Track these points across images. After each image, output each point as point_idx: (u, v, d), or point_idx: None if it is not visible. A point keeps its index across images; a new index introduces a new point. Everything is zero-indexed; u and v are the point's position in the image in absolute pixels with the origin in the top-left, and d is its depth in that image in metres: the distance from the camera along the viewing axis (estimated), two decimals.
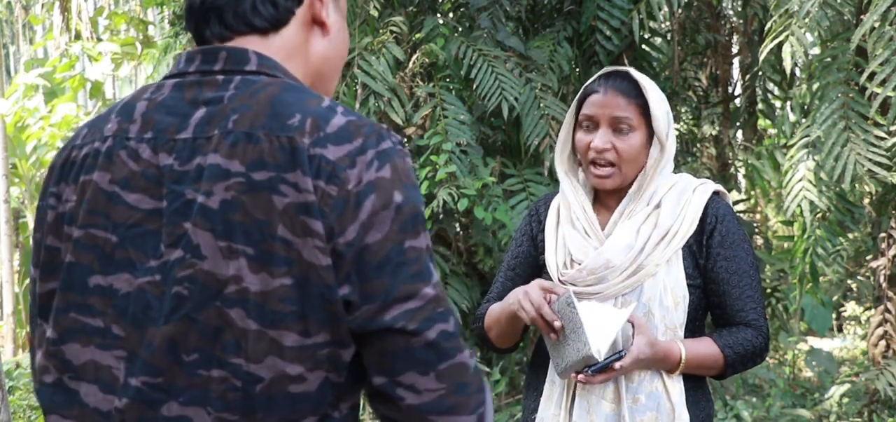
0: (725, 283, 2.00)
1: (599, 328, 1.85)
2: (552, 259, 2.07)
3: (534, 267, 2.14)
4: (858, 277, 5.91)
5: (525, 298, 1.92)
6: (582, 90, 2.07)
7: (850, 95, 3.66)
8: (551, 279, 2.04)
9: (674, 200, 2.01)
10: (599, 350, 1.83)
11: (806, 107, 4.32)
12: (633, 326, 1.90)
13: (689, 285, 1.99)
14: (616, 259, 1.97)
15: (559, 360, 1.91)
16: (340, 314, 1.08)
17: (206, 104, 1.13)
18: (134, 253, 1.11)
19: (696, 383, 2.04)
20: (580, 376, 1.88)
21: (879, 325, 4.28)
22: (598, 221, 2.06)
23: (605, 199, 2.08)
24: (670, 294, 1.97)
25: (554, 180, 4.60)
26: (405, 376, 1.10)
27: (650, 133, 2.01)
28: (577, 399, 1.98)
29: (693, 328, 2.02)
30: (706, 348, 1.99)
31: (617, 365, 1.85)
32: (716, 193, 2.06)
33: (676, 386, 1.98)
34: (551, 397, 2.04)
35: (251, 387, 1.07)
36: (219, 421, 1.08)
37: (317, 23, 1.23)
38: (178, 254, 1.08)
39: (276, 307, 1.06)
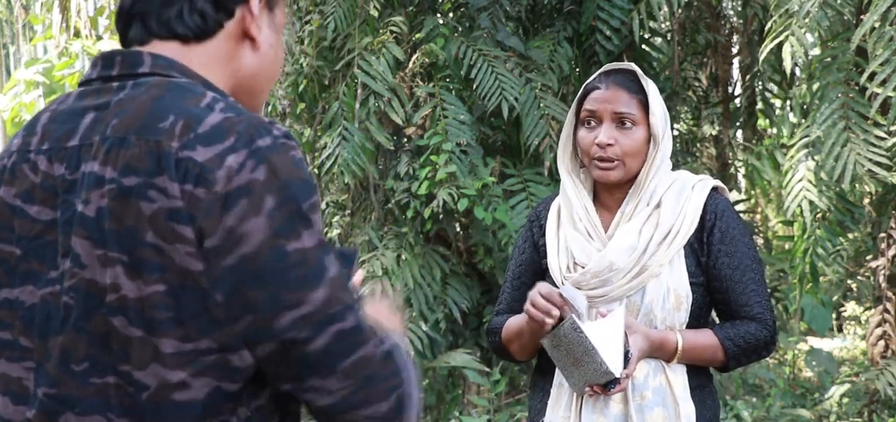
0: (728, 279, 1.99)
1: (609, 346, 1.85)
2: (555, 262, 2.06)
3: (538, 273, 2.13)
4: (858, 277, 5.91)
5: (533, 294, 1.93)
6: (583, 88, 2.06)
7: (850, 95, 3.66)
8: (555, 283, 2.04)
9: (673, 199, 2.01)
10: (617, 368, 1.84)
11: (806, 107, 4.32)
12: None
13: (691, 284, 1.98)
14: (619, 261, 1.97)
15: (575, 381, 1.92)
16: (210, 317, 1.05)
17: (95, 109, 1.12)
18: (36, 264, 1.10)
19: (703, 382, 2.04)
20: (596, 389, 1.89)
21: (878, 325, 4.28)
22: (601, 222, 2.05)
23: (606, 199, 2.08)
24: (673, 295, 1.97)
25: (554, 180, 4.59)
26: (308, 381, 1.07)
27: (651, 128, 2.01)
28: (585, 402, 1.98)
29: (697, 327, 2.01)
30: (705, 338, 1.99)
31: (625, 373, 1.86)
32: (715, 188, 2.06)
33: (679, 380, 1.98)
34: (559, 400, 2.03)
35: (139, 394, 1.06)
36: None
37: (247, 37, 1.19)
38: (66, 264, 1.07)
39: (152, 314, 1.03)
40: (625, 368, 1.87)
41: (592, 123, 2.02)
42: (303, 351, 1.05)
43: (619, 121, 1.99)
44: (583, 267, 2.01)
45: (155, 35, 1.16)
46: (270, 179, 1.03)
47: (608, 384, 1.88)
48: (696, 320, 2.01)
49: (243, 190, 1.02)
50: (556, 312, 1.89)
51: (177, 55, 1.16)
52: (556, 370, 2.02)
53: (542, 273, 2.12)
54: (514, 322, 2.08)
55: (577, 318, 1.86)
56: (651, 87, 2.01)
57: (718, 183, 2.08)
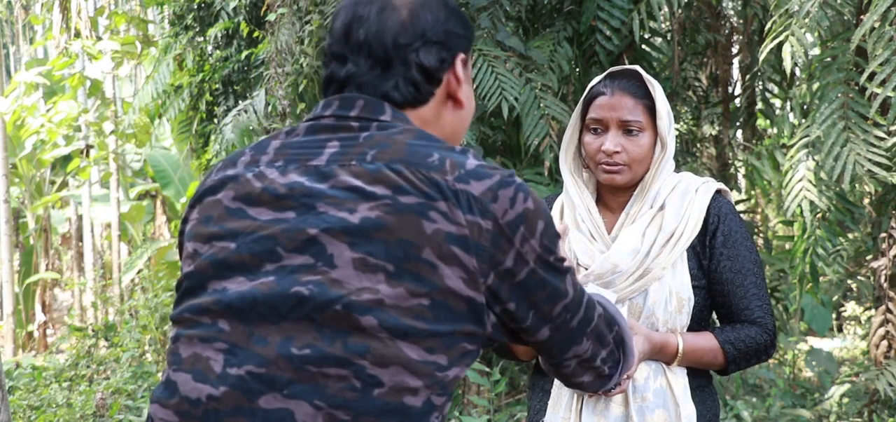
0: (729, 282, 1.99)
1: None
2: None
3: None
4: (858, 277, 5.90)
5: None
6: (587, 91, 2.05)
7: (850, 95, 3.65)
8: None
9: (677, 202, 2.01)
10: None
11: (806, 107, 4.32)
12: None
13: (693, 287, 1.98)
14: (623, 264, 1.96)
15: None
16: (473, 344, 1.21)
17: (339, 141, 1.22)
18: (249, 258, 1.19)
19: (702, 382, 2.04)
20: (604, 393, 1.89)
21: (881, 325, 4.28)
22: (604, 223, 2.05)
23: (609, 200, 2.07)
24: (675, 298, 1.96)
25: (554, 180, 4.59)
26: (570, 350, 1.38)
27: (657, 132, 2.00)
28: (585, 402, 1.98)
29: (697, 329, 2.01)
30: (705, 341, 1.99)
31: (627, 375, 1.86)
32: (718, 191, 2.05)
33: (680, 382, 1.98)
34: (560, 400, 2.03)
35: (370, 390, 1.14)
36: (328, 417, 1.14)
37: (451, 98, 1.32)
38: (303, 259, 1.16)
39: (409, 321, 1.14)
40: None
41: (598, 130, 2.01)
42: (567, 328, 1.33)
43: (625, 128, 1.98)
44: (586, 268, 2.00)
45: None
46: (536, 207, 1.24)
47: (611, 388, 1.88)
48: (697, 322, 2.01)
49: (521, 218, 1.22)
50: None
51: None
52: None
53: None
54: None
55: None
56: (657, 91, 2.00)
57: (722, 186, 2.08)
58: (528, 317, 1.27)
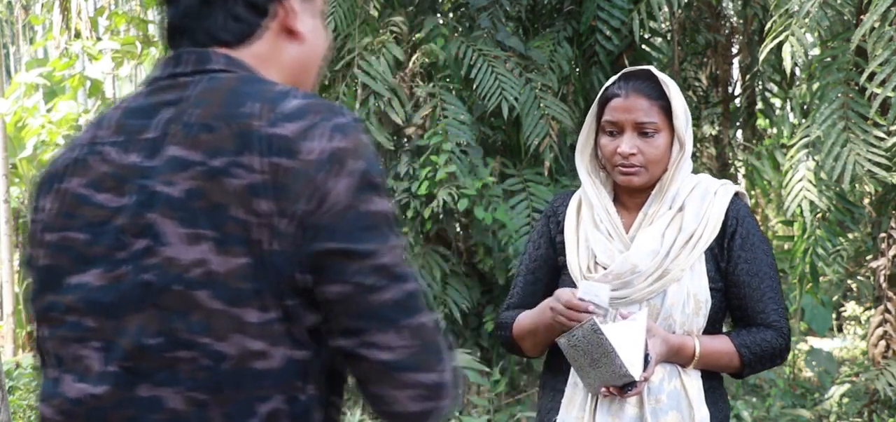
0: (746, 285, 1.99)
1: (628, 349, 1.85)
2: (574, 261, 2.04)
3: (553, 269, 2.12)
4: (858, 277, 5.91)
5: (557, 305, 1.92)
6: (602, 92, 2.04)
7: (850, 96, 3.65)
8: (572, 281, 2.03)
9: (697, 203, 2.00)
10: (636, 371, 1.84)
11: (806, 107, 4.32)
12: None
13: (711, 289, 1.98)
14: (642, 264, 1.96)
15: (590, 381, 1.91)
16: (289, 287, 1.12)
17: (169, 105, 1.18)
18: (104, 249, 1.16)
19: (714, 384, 2.04)
20: (612, 390, 1.89)
21: (880, 325, 4.28)
22: (622, 223, 2.04)
23: (626, 200, 2.07)
24: (693, 300, 1.96)
25: (554, 180, 4.60)
26: (370, 334, 1.12)
27: (673, 131, 1.99)
28: (600, 403, 1.97)
29: (712, 331, 2.01)
30: (721, 344, 1.99)
31: (643, 376, 1.86)
32: (736, 194, 2.05)
33: (694, 384, 1.98)
34: (574, 400, 2.02)
35: (218, 365, 1.12)
36: (190, 400, 1.13)
37: (288, 31, 1.25)
38: (143, 243, 1.13)
39: (237, 285, 1.10)
40: (643, 371, 1.86)
41: (614, 132, 2.00)
42: (371, 299, 1.11)
43: (641, 130, 1.97)
44: (605, 268, 2.00)
45: (202, 45, 1.22)
46: (356, 148, 1.12)
47: (625, 386, 1.87)
48: (712, 325, 2.00)
49: (331, 156, 1.11)
50: (585, 318, 1.88)
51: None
52: (571, 370, 2.01)
53: (557, 270, 2.11)
54: (527, 318, 2.07)
55: (597, 319, 1.86)
56: (673, 91, 1.98)
57: (739, 189, 2.07)
58: (319, 265, 1.10)
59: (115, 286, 1.15)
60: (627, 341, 1.85)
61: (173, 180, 1.12)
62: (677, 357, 1.95)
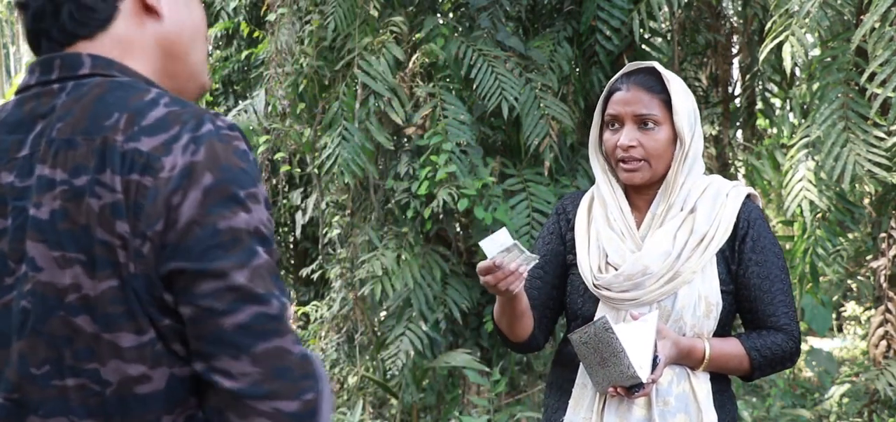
0: (757, 288, 1.99)
1: (637, 350, 1.85)
2: (585, 260, 2.04)
3: (561, 266, 2.12)
4: (858, 277, 5.91)
5: (485, 278, 1.86)
6: (607, 88, 2.05)
7: (850, 96, 3.65)
8: (583, 280, 2.03)
9: (708, 205, 1.99)
10: (645, 373, 1.84)
11: (806, 107, 4.32)
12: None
13: (722, 291, 1.97)
14: (653, 266, 1.95)
15: (598, 380, 1.91)
16: (158, 307, 1.07)
17: (42, 117, 1.12)
18: None
19: (722, 386, 2.04)
20: (620, 390, 1.89)
21: (880, 325, 4.28)
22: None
23: (635, 199, 2.06)
24: (704, 302, 1.95)
25: (554, 181, 4.59)
26: (219, 359, 1.05)
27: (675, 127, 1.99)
28: (607, 404, 1.97)
29: (721, 334, 2.01)
30: (731, 347, 1.98)
31: (651, 378, 1.86)
32: (748, 196, 2.05)
33: (704, 387, 1.98)
34: (581, 401, 2.02)
35: (104, 391, 1.07)
36: None
37: (145, 9, 1.19)
38: (22, 269, 1.08)
39: (109, 309, 1.06)
40: (652, 372, 1.86)
41: (615, 126, 2.00)
42: (218, 324, 1.04)
43: (641, 122, 1.97)
44: (616, 268, 1.99)
45: (63, 43, 1.17)
46: (209, 160, 1.05)
47: (633, 387, 1.87)
48: (723, 327, 2.00)
49: (184, 170, 1.05)
50: (504, 274, 1.84)
51: (93, 51, 1.16)
52: (580, 370, 2.01)
53: (566, 267, 2.11)
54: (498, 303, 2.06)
55: (610, 318, 1.86)
56: (675, 86, 1.98)
57: (752, 191, 2.07)
58: (174, 289, 1.05)
59: (5, 314, 1.10)
60: (637, 341, 1.85)
61: (41, 202, 1.07)
62: (687, 360, 1.95)
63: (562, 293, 2.12)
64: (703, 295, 1.95)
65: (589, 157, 2.14)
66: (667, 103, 1.97)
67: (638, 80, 1.99)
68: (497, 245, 1.83)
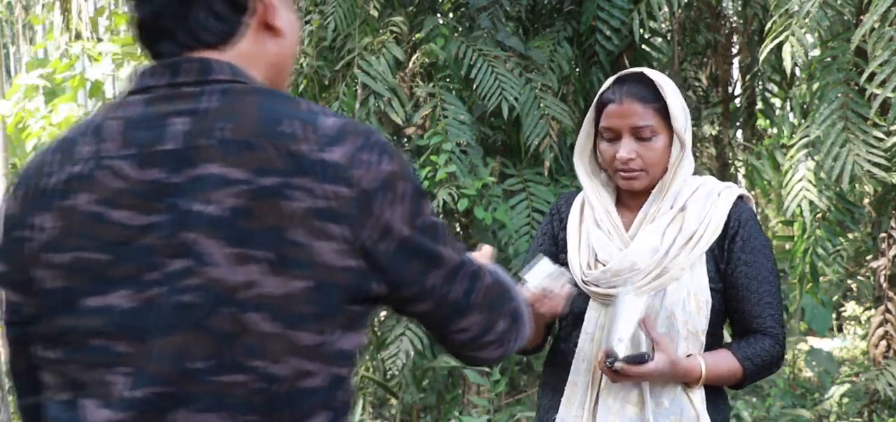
0: (745, 288, 1.99)
1: (621, 322, 1.88)
2: (575, 258, 2.06)
3: None
4: (858, 277, 5.90)
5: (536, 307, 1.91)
6: (598, 97, 2.04)
7: (850, 96, 3.65)
8: (573, 278, 2.04)
9: (699, 204, 2.00)
10: (620, 349, 1.84)
11: (806, 107, 4.32)
12: (654, 342, 1.91)
13: (711, 289, 1.98)
14: (641, 262, 1.96)
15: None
16: (359, 306, 1.14)
17: (184, 116, 1.13)
18: (130, 269, 1.11)
19: (715, 387, 2.04)
20: (602, 365, 1.90)
21: (880, 325, 4.28)
22: (622, 222, 2.05)
23: (628, 200, 2.07)
24: (693, 299, 1.96)
25: (554, 181, 4.60)
26: (455, 323, 1.25)
27: (672, 131, 1.99)
28: (600, 401, 1.98)
29: (713, 332, 2.01)
30: (725, 362, 1.99)
31: (638, 369, 1.86)
32: (740, 197, 2.05)
33: (698, 393, 2.00)
34: (573, 398, 2.03)
35: (272, 387, 1.10)
36: None
37: (268, 27, 1.22)
38: (182, 264, 1.09)
39: (295, 309, 1.09)
40: (634, 360, 1.87)
41: (612, 138, 2.00)
42: (448, 300, 1.22)
43: (638, 135, 1.97)
44: (604, 264, 2.00)
45: (186, 46, 1.18)
46: (399, 168, 1.16)
47: (608, 360, 1.89)
48: (713, 326, 2.01)
49: (383, 183, 1.13)
50: (552, 301, 1.90)
51: (218, 60, 1.18)
52: (572, 369, 2.03)
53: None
54: None
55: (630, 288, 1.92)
56: (668, 91, 1.98)
57: (744, 191, 2.08)
58: (402, 288, 1.17)
59: (148, 308, 1.10)
60: (623, 315, 1.87)
61: (211, 198, 1.08)
62: (684, 379, 1.96)
63: None
64: (692, 292, 1.96)
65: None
66: (660, 111, 1.97)
67: (631, 90, 1.98)
68: (541, 274, 1.89)
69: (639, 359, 1.86)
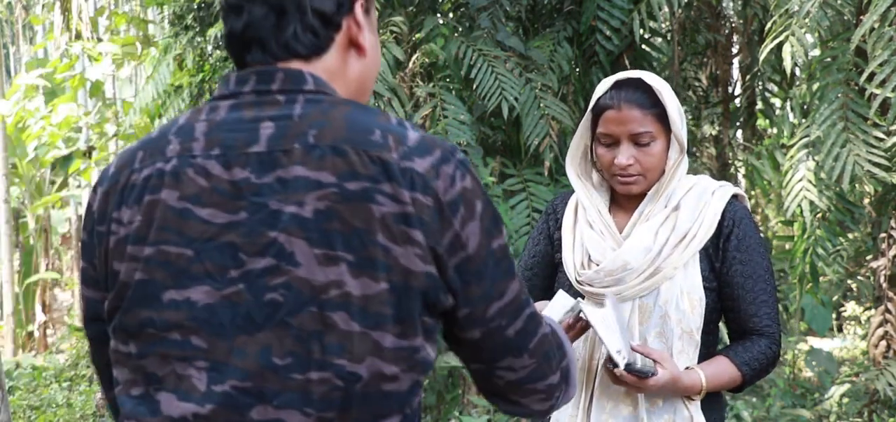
0: (740, 287, 1.99)
1: (610, 335, 1.88)
2: (569, 258, 2.06)
3: (550, 266, 2.14)
4: (858, 277, 5.91)
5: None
6: (596, 103, 2.02)
7: (850, 96, 3.66)
8: (567, 278, 2.05)
9: (693, 203, 2.00)
10: (619, 351, 1.87)
11: (806, 107, 4.32)
12: (655, 359, 1.91)
13: (705, 288, 1.98)
14: (634, 261, 1.97)
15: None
16: (433, 318, 1.17)
17: (272, 120, 1.16)
18: (211, 266, 1.14)
19: None
20: (616, 371, 1.90)
21: (880, 325, 4.28)
22: (617, 222, 2.06)
23: (623, 201, 2.07)
24: (687, 298, 1.96)
25: (554, 181, 4.60)
26: (503, 360, 1.24)
27: (668, 134, 2.00)
28: (595, 400, 1.98)
29: (708, 331, 2.01)
30: (725, 371, 1.99)
31: (641, 382, 1.87)
32: (734, 196, 2.05)
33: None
34: None
35: (352, 386, 1.12)
36: (318, 420, 1.12)
37: (354, 45, 1.26)
38: (266, 262, 1.12)
39: (376, 309, 1.12)
40: (648, 377, 1.89)
41: (610, 143, 2.00)
42: (503, 335, 1.22)
43: (637, 141, 1.98)
44: (598, 264, 2.01)
45: (277, 57, 1.21)
46: (476, 186, 1.18)
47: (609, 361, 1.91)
48: (707, 324, 2.01)
49: (461, 197, 1.16)
50: (574, 332, 1.93)
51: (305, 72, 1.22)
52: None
53: (555, 267, 2.13)
54: None
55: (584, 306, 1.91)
56: (666, 96, 1.98)
57: (739, 191, 2.08)
58: (461, 309, 1.18)
59: (228, 305, 1.13)
60: (614, 327, 1.88)
61: (301, 200, 1.12)
62: (685, 394, 1.97)
63: (552, 293, 2.14)
64: (686, 291, 1.96)
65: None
66: (658, 116, 1.97)
67: (629, 96, 1.97)
68: (561, 308, 1.92)
69: (643, 374, 1.87)
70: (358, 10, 1.25)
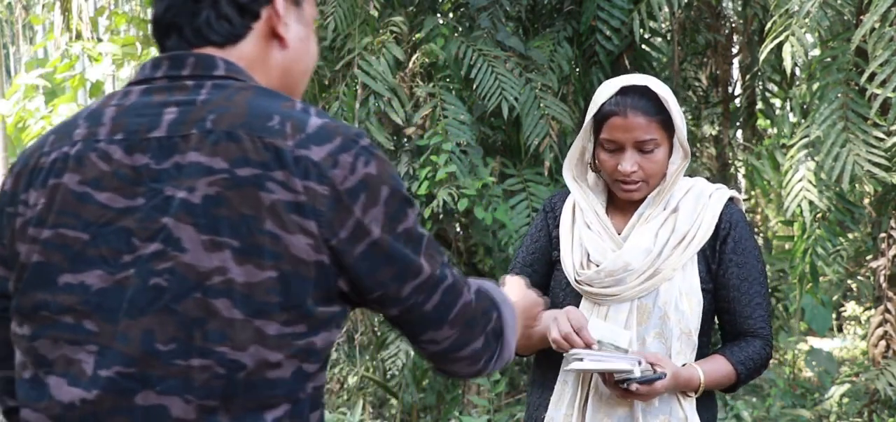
0: (735, 289, 2.02)
1: (615, 359, 1.91)
2: (568, 258, 2.07)
3: (548, 263, 2.15)
4: (858, 277, 5.91)
5: (555, 323, 1.95)
6: (599, 109, 2.01)
7: (850, 96, 3.66)
8: (566, 277, 2.06)
9: (691, 206, 2.02)
10: (635, 367, 1.87)
11: (806, 107, 4.32)
12: (652, 363, 1.92)
13: (702, 290, 2.00)
14: (634, 262, 1.98)
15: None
16: (328, 306, 1.15)
17: (176, 105, 1.16)
18: (107, 250, 1.14)
19: None
20: (614, 388, 1.92)
21: (880, 325, 4.28)
22: (614, 224, 2.07)
23: (621, 203, 2.08)
24: (686, 298, 1.98)
25: (554, 180, 4.59)
26: (425, 334, 1.26)
27: (671, 139, 2.01)
28: (590, 400, 2.00)
29: (703, 332, 2.03)
30: (721, 368, 2.02)
31: (652, 388, 1.88)
32: (730, 198, 2.07)
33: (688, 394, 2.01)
34: (563, 397, 2.04)
35: (234, 374, 1.11)
36: (200, 408, 1.11)
37: (275, 36, 1.26)
38: (154, 247, 1.12)
39: (261, 297, 1.11)
40: (658, 379, 1.90)
41: (614, 150, 2.00)
42: (421, 311, 1.23)
43: (641, 148, 1.98)
44: (597, 265, 2.01)
45: (192, 44, 1.22)
46: (382, 170, 1.16)
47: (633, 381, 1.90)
48: (703, 325, 2.03)
49: (362, 184, 1.14)
50: (578, 343, 1.93)
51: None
52: (561, 367, 2.04)
53: (552, 264, 2.13)
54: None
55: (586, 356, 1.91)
56: (671, 103, 1.98)
57: (734, 193, 2.10)
58: (373, 292, 1.19)
59: (117, 289, 1.13)
60: (622, 353, 1.90)
61: (193, 186, 1.11)
62: (685, 388, 1.98)
63: (547, 291, 2.14)
64: (684, 292, 1.98)
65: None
66: (663, 123, 1.98)
67: (635, 103, 1.97)
68: (612, 338, 1.96)
69: (653, 379, 1.88)
70: (279, 1, 1.24)
